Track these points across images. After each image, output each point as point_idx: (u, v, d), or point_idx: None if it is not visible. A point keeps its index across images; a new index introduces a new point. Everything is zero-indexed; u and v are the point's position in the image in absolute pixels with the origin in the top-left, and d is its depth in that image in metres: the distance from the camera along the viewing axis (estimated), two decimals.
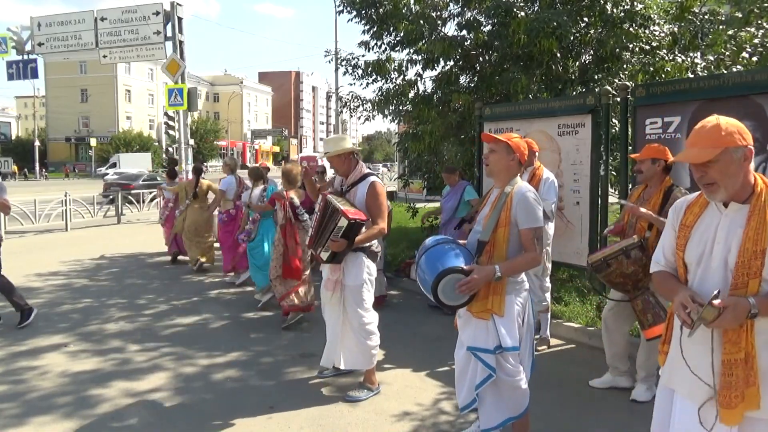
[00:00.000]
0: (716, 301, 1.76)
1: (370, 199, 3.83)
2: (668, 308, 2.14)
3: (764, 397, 1.82)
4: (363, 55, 8.50)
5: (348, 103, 9.21)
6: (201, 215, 8.49)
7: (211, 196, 8.64)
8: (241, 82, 78.93)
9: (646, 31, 6.81)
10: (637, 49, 6.96)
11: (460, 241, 3.06)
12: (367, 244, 3.90)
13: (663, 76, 6.59)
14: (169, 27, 13.47)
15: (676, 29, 6.96)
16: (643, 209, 3.65)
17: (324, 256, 3.80)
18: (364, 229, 3.75)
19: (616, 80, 6.46)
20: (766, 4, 5.70)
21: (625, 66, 6.94)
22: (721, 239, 1.89)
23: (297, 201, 5.63)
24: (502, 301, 2.83)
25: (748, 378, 1.82)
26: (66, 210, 13.75)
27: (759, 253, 1.81)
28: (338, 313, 4.00)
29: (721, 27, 6.58)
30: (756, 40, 6.32)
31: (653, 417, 2.15)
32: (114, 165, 37.80)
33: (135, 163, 36.40)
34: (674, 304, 1.89)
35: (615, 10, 6.88)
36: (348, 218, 3.58)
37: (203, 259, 8.53)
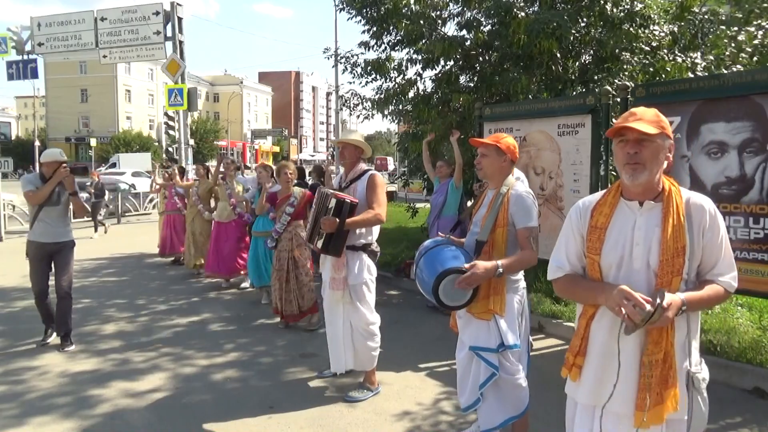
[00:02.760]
0: (665, 303, 1.69)
1: (369, 189, 3.85)
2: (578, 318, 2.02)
3: (680, 396, 1.81)
4: (362, 53, 8.50)
5: (348, 101, 9.20)
6: (206, 218, 8.28)
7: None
8: (241, 82, 78.86)
9: (646, 31, 6.80)
10: (637, 49, 6.95)
11: (458, 241, 3.06)
12: (367, 242, 3.90)
13: (663, 76, 6.58)
14: (169, 27, 13.47)
15: (676, 29, 6.95)
16: None
17: (319, 244, 3.80)
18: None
19: (616, 80, 6.44)
20: (765, 4, 5.69)
21: (625, 66, 6.92)
22: (640, 240, 1.86)
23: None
24: (503, 300, 2.85)
25: (667, 378, 1.80)
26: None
27: (680, 251, 1.81)
28: (341, 314, 3.97)
29: (721, 27, 6.57)
30: (756, 41, 6.31)
31: None
32: (114, 165, 37.60)
33: (134, 163, 36.29)
34: (611, 298, 1.75)
35: (615, 10, 6.87)
36: (337, 198, 3.64)
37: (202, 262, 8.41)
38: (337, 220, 3.64)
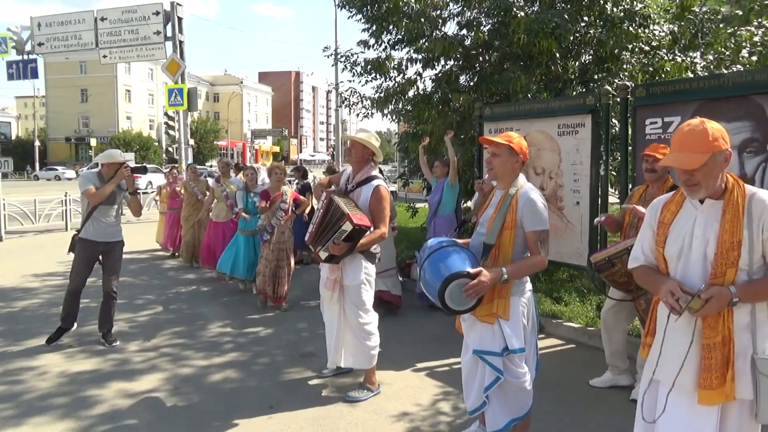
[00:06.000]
0: (703, 294, 1.91)
1: (373, 203, 3.81)
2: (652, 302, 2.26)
3: (740, 377, 1.95)
4: (362, 52, 8.50)
5: (347, 99, 9.19)
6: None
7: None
8: (241, 82, 78.87)
9: (646, 31, 6.80)
10: (636, 49, 6.95)
11: (461, 241, 3.04)
12: None
13: (663, 76, 6.58)
14: (169, 27, 13.46)
15: (675, 29, 6.95)
16: (642, 209, 3.65)
17: (323, 255, 3.79)
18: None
19: (616, 80, 6.44)
20: (766, 2, 5.68)
21: (625, 66, 6.92)
22: (699, 234, 2.03)
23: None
24: (507, 304, 2.81)
25: (728, 361, 1.95)
26: (66, 210, 13.75)
27: (735, 245, 1.96)
28: (337, 312, 4.00)
29: (721, 25, 6.57)
30: (756, 38, 6.31)
31: (639, 409, 2.23)
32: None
33: None
34: (661, 292, 2.01)
35: (615, 10, 6.86)
36: (353, 223, 3.54)
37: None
38: (348, 245, 3.63)
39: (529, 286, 2.95)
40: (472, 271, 2.68)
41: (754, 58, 6.29)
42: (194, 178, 8.97)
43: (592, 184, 5.24)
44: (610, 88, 5.51)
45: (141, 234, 12.47)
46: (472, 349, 2.92)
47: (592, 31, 7.15)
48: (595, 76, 7.12)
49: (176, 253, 9.57)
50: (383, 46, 8.33)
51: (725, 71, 6.31)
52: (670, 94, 4.57)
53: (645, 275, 2.22)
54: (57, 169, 45.77)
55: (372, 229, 3.77)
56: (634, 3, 6.83)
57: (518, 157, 2.85)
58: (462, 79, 8.17)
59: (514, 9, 6.81)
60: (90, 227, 4.98)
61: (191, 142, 14.25)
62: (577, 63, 7.55)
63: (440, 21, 8.11)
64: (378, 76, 8.36)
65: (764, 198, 1.99)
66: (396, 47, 8.31)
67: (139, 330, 5.60)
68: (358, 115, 9.24)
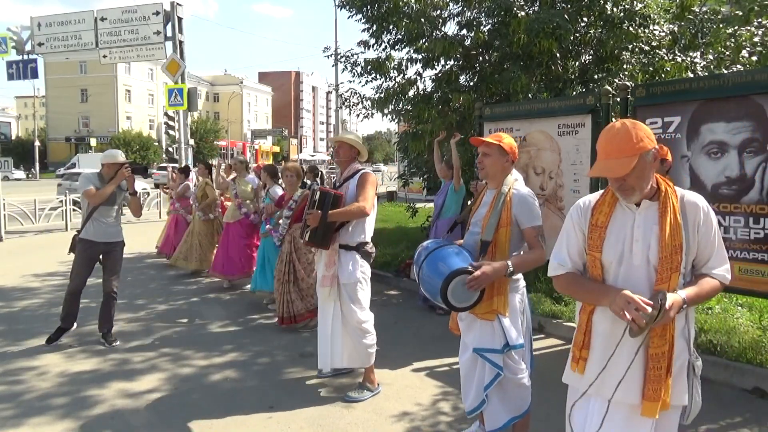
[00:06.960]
0: (667, 305, 1.76)
1: (358, 186, 3.88)
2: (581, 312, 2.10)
3: (677, 383, 1.92)
4: (362, 52, 8.50)
5: (348, 100, 9.19)
6: (200, 219, 8.28)
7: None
8: (241, 82, 78.91)
9: (646, 31, 6.80)
10: (636, 49, 6.94)
11: (457, 242, 3.06)
12: (361, 241, 3.91)
13: (663, 75, 6.58)
14: (169, 27, 13.46)
15: (675, 29, 6.95)
16: None
17: (307, 237, 3.87)
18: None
19: (616, 80, 6.44)
20: (766, 2, 5.68)
21: (625, 66, 6.92)
22: (639, 237, 1.93)
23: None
24: (506, 300, 2.86)
25: (670, 368, 1.90)
26: (66, 210, 13.75)
27: (677, 248, 1.88)
28: (332, 310, 3.98)
29: (721, 25, 6.57)
30: (756, 38, 6.30)
31: (569, 426, 2.14)
32: (74, 166, 34.98)
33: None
34: (616, 302, 1.82)
35: (615, 10, 6.86)
36: (321, 190, 3.75)
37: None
38: (320, 212, 3.71)
39: (523, 282, 3.01)
40: (474, 264, 2.71)
41: (754, 58, 6.28)
42: (204, 175, 8.64)
43: (592, 184, 5.23)
44: (610, 88, 5.50)
45: (141, 234, 12.47)
46: (472, 348, 2.94)
47: (592, 31, 7.15)
48: (595, 76, 7.11)
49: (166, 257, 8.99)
50: (383, 46, 8.32)
51: (725, 71, 6.30)
52: (670, 94, 4.57)
53: (575, 283, 2.06)
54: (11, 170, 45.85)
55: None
56: (634, 3, 6.82)
57: (508, 156, 2.93)
58: (462, 79, 8.17)
59: (515, 9, 6.81)
60: (90, 227, 5.00)
61: (191, 142, 14.23)
62: (577, 63, 7.55)
63: (440, 21, 8.11)
64: (378, 77, 8.35)
65: (695, 200, 1.95)
66: (396, 47, 8.30)
67: (139, 330, 5.60)
68: (358, 115, 9.23)
